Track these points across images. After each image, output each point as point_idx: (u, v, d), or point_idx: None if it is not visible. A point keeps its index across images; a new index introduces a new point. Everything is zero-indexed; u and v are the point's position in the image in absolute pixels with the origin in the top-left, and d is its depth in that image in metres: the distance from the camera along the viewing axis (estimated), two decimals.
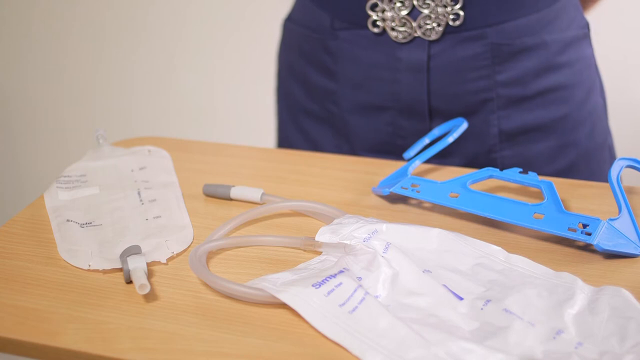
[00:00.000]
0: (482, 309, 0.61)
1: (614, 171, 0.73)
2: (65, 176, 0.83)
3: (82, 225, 0.74)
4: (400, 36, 0.91)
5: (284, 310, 0.61)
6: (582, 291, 0.62)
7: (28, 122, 1.92)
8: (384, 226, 0.70)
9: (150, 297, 0.64)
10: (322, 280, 0.61)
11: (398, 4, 0.90)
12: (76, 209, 0.77)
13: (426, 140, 0.89)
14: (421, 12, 0.90)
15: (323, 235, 0.70)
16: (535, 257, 0.68)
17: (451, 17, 0.89)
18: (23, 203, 0.87)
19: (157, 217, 0.76)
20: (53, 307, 0.63)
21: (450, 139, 0.85)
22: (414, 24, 0.90)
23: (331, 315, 0.59)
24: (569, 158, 0.98)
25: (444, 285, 0.64)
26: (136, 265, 0.65)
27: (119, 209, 0.77)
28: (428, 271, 0.65)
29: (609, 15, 1.50)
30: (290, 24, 1.05)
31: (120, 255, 0.67)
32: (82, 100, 1.89)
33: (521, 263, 0.67)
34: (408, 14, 0.90)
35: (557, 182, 0.77)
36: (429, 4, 0.89)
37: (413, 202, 0.81)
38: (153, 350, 0.58)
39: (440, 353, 0.55)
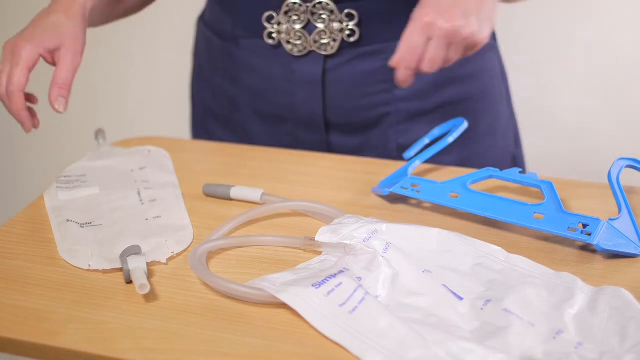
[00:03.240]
0: (482, 309, 0.61)
1: (614, 171, 0.73)
2: (65, 176, 0.83)
3: (82, 225, 0.74)
4: (295, 49, 0.91)
5: (284, 310, 0.61)
6: (582, 291, 0.62)
7: None
8: (384, 226, 0.70)
9: (150, 297, 0.64)
10: (322, 280, 0.61)
11: (294, 17, 0.90)
12: (76, 209, 0.77)
13: (426, 140, 0.89)
14: (316, 27, 0.90)
15: (323, 235, 0.70)
16: (535, 257, 0.68)
17: (347, 33, 0.89)
18: (23, 203, 0.87)
19: (157, 217, 0.76)
20: (53, 307, 0.63)
21: (450, 139, 0.85)
22: (309, 38, 0.90)
23: (331, 315, 0.59)
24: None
25: (444, 285, 0.64)
26: (136, 265, 0.65)
27: (119, 209, 0.77)
28: (428, 271, 0.65)
29: (610, 14, 1.50)
30: (202, 24, 1.04)
31: (120, 255, 0.67)
32: (82, 100, 1.89)
33: (521, 263, 0.67)
34: (303, 28, 0.90)
35: (557, 182, 0.77)
36: (324, 19, 0.89)
37: (413, 202, 0.81)
38: (153, 350, 0.58)
39: (440, 353, 0.55)
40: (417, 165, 0.84)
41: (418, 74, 0.88)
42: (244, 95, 0.98)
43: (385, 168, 0.88)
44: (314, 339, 0.58)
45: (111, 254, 0.69)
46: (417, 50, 0.74)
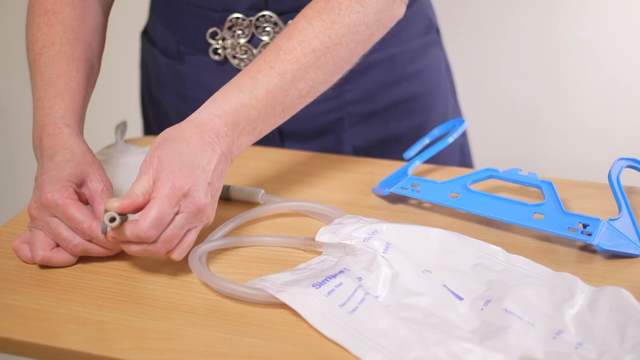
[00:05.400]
0: (482, 309, 0.61)
1: (614, 171, 0.73)
2: None
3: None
4: (242, 64, 0.91)
5: (284, 310, 0.61)
6: (582, 291, 0.62)
7: (28, 121, 1.91)
8: (384, 226, 0.70)
9: (150, 297, 0.64)
10: (322, 281, 0.61)
11: (238, 32, 0.89)
12: None
13: (426, 140, 0.89)
14: (261, 40, 0.89)
15: (323, 235, 0.70)
16: (535, 257, 0.68)
17: None
18: (23, 203, 0.87)
19: None
20: (53, 307, 0.63)
21: (450, 139, 0.85)
22: (255, 51, 0.89)
23: (331, 316, 0.59)
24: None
25: (444, 285, 0.64)
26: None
27: None
28: (428, 271, 0.65)
29: (610, 15, 1.50)
30: (145, 39, 1.03)
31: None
32: None
33: (521, 263, 0.67)
34: (248, 42, 0.89)
35: (557, 182, 0.77)
36: (268, 31, 0.88)
37: (413, 202, 0.81)
38: (153, 350, 0.58)
39: (440, 353, 0.55)
40: (417, 165, 0.84)
41: (365, 77, 0.88)
42: (194, 110, 0.96)
43: (385, 168, 0.88)
44: (314, 339, 0.58)
45: None
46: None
